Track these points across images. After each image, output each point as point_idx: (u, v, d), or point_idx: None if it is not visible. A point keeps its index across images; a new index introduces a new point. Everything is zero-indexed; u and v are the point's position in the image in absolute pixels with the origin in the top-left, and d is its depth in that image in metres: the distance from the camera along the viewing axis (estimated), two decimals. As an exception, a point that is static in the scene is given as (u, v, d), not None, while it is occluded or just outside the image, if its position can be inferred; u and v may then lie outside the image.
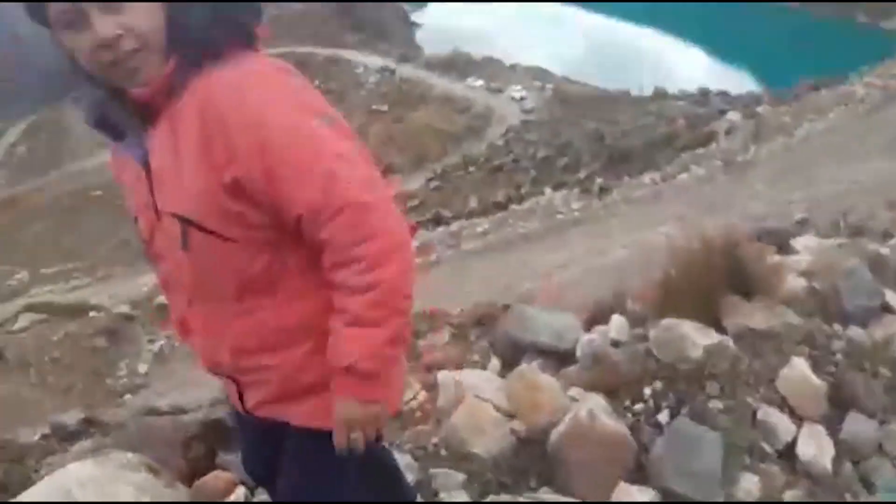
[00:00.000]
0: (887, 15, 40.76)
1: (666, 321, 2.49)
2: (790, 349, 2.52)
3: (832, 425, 2.39)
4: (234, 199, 1.28)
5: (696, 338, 2.41)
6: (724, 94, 26.28)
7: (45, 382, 12.45)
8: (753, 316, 2.55)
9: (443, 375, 2.67)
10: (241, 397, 1.55)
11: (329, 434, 1.45)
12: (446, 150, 27.66)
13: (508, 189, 24.60)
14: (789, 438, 2.31)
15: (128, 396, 12.40)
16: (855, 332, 2.60)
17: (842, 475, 2.29)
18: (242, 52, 1.32)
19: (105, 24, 1.20)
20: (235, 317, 1.41)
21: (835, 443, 2.34)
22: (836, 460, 2.31)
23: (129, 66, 1.24)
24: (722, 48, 43.07)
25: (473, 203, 23.98)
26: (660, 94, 28.69)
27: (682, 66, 40.12)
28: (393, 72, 33.84)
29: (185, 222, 1.31)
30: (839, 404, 2.42)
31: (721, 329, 2.56)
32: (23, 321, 13.89)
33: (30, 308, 14.91)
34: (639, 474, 2.21)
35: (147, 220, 1.40)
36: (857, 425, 2.36)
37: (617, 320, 2.66)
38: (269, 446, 1.66)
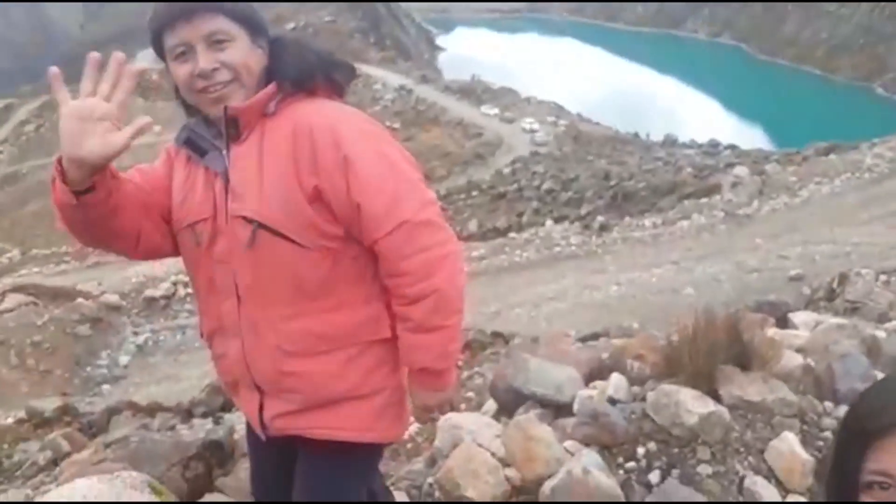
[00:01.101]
0: (905, 89, 41.22)
1: (664, 386, 2.55)
2: (781, 423, 2.57)
3: (816, 499, 2.44)
4: (314, 207, 1.45)
5: (693, 405, 2.47)
6: (733, 148, 26.52)
7: (24, 365, 12.35)
8: (748, 388, 2.60)
9: (441, 417, 2.72)
10: (260, 411, 1.62)
11: (342, 451, 1.58)
12: (451, 172, 27.78)
13: (509, 217, 24.70)
14: (774, 508, 2.35)
15: (105, 387, 12.30)
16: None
17: (822, 549, 2.34)
18: (330, 96, 1.54)
19: (207, 58, 1.45)
20: (283, 320, 1.52)
21: (817, 517, 2.38)
22: (818, 535, 2.35)
23: (216, 94, 1.47)
24: (738, 104, 43.35)
25: (473, 227, 24.07)
26: (670, 141, 28.97)
27: (696, 116, 40.39)
28: (410, 91, 34.12)
29: (258, 225, 1.46)
30: (825, 479, 2.47)
31: (716, 396, 2.62)
32: (9, 302, 13.80)
33: (17, 289, 14.84)
34: (626, 531, 2.26)
35: (212, 225, 1.52)
36: (841, 502, 2.41)
37: (616, 379, 2.71)
38: (279, 470, 1.73)
